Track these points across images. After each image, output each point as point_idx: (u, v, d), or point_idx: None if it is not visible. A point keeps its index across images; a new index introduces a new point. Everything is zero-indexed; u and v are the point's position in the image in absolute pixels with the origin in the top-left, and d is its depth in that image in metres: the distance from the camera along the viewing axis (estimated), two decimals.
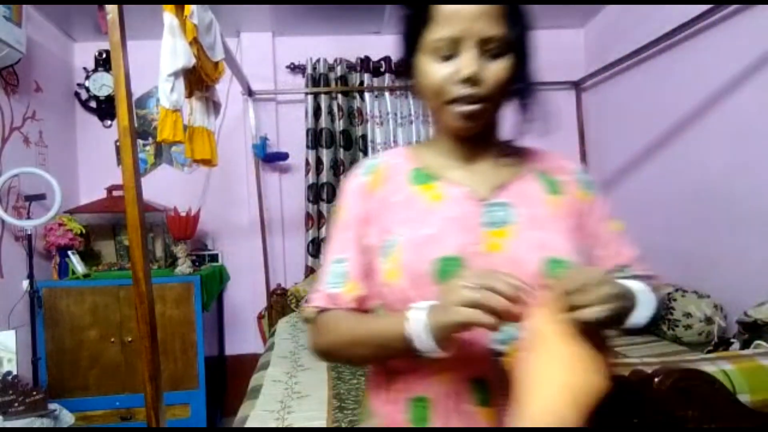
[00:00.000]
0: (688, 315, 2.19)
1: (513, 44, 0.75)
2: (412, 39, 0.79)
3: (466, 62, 0.73)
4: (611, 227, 0.86)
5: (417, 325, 0.66)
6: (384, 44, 3.23)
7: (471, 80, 0.73)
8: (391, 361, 0.78)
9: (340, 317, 0.80)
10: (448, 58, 0.75)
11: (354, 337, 0.77)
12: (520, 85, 0.79)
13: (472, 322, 0.62)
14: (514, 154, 0.86)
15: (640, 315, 0.71)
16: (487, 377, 0.73)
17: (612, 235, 0.86)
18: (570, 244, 0.77)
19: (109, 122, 3.20)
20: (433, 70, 0.76)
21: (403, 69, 0.83)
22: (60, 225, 2.66)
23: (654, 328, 2.38)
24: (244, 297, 3.31)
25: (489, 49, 0.74)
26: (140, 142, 3.22)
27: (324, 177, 3.24)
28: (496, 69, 0.74)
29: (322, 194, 3.25)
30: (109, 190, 2.91)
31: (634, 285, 0.73)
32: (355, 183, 0.86)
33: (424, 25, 0.76)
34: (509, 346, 0.70)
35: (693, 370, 1.04)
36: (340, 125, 3.25)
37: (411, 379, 0.77)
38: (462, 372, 0.73)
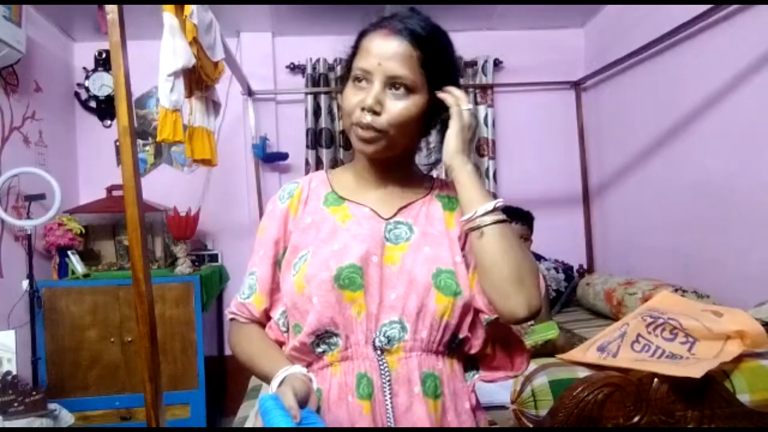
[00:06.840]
0: None
1: (421, 87, 0.84)
2: (348, 67, 0.91)
3: (370, 93, 0.83)
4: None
5: (273, 384, 0.81)
6: None
7: (370, 110, 0.83)
8: (294, 359, 0.89)
9: (246, 337, 0.95)
10: (361, 85, 0.85)
11: (249, 362, 0.94)
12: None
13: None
14: (420, 179, 0.98)
15: None
16: (370, 373, 0.83)
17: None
18: (455, 255, 0.88)
19: (109, 122, 3.20)
20: (348, 94, 0.87)
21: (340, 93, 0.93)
22: (60, 225, 2.66)
23: None
24: None
25: (395, 86, 0.83)
26: (140, 142, 3.22)
27: None
28: (396, 106, 0.83)
29: None
30: (109, 190, 2.91)
31: None
32: (274, 208, 0.96)
33: (354, 56, 0.88)
34: (392, 347, 0.83)
35: None
36: (339, 125, 3.24)
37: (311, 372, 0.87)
38: (349, 368, 0.84)
